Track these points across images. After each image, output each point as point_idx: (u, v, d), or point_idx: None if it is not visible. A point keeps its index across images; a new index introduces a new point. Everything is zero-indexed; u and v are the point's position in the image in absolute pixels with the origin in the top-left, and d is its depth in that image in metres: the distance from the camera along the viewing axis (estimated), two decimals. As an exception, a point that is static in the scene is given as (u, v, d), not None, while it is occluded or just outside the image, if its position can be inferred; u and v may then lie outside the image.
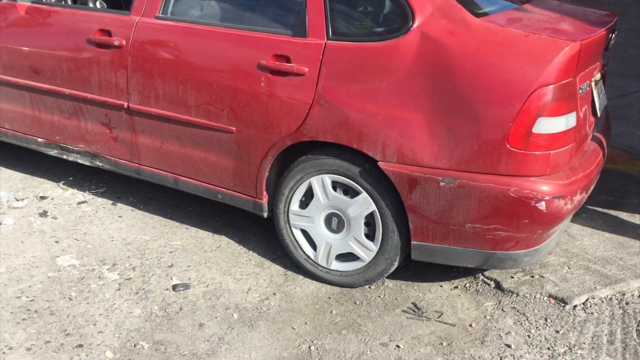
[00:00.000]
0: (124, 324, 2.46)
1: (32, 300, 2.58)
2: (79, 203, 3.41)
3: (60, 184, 3.59)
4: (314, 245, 2.77)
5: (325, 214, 2.70)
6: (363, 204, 2.58)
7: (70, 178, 3.66)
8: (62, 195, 3.48)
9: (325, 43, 2.53)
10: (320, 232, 2.73)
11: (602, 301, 2.61)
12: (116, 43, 2.92)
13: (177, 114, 2.86)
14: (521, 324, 2.50)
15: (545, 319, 2.52)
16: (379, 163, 2.47)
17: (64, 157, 3.36)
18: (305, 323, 2.52)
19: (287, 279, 2.81)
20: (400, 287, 2.76)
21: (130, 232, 3.13)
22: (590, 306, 2.58)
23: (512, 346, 2.38)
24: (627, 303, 2.60)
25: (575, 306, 2.58)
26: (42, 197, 3.44)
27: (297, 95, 2.56)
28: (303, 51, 2.56)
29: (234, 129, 2.73)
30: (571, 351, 2.34)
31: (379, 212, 2.56)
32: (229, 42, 2.73)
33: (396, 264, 2.64)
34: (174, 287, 2.71)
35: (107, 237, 3.08)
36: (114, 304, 2.58)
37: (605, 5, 5.55)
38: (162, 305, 2.59)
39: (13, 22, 3.28)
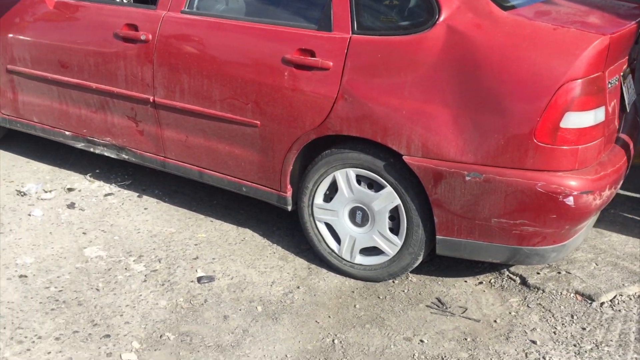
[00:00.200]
0: (150, 315, 2.49)
1: (61, 290, 2.63)
2: (106, 195, 3.46)
3: (87, 176, 3.64)
4: (337, 239, 2.78)
5: (349, 208, 2.70)
6: (387, 198, 2.58)
7: (97, 170, 3.71)
8: (89, 188, 3.53)
9: (350, 37, 2.52)
10: (345, 225, 2.73)
11: (630, 298, 2.57)
12: (142, 37, 2.95)
13: (202, 107, 2.88)
14: (547, 320, 2.48)
15: (572, 316, 2.49)
16: (403, 157, 2.46)
17: (91, 149, 3.41)
18: (329, 317, 2.52)
19: (310, 272, 2.82)
20: (424, 281, 2.75)
21: (156, 224, 3.17)
22: (618, 303, 2.55)
23: (538, 342, 2.36)
24: (655, 300, 2.56)
25: (602, 303, 2.55)
26: (70, 189, 3.50)
27: (321, 90, 2.56)
28: (328, 45, 2.56)
29: (259, 122, 2.75)
30: (598, 348, 2.31)
31: (404, 206, 2.55)
32: (253, 37, 2.74)
33: (420, 259, 2.63)
34: (199, 279, 2.74)
35: (133, 229, 3.12)
36: (140, 295, 2.62)
37: (634, -3, 5.43)
38: (187, 297, 2.62)
39: (42, 17, 3.33)
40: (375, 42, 2.48)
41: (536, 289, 2.65)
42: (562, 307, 2.54)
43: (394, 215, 2.61)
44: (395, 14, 2.54)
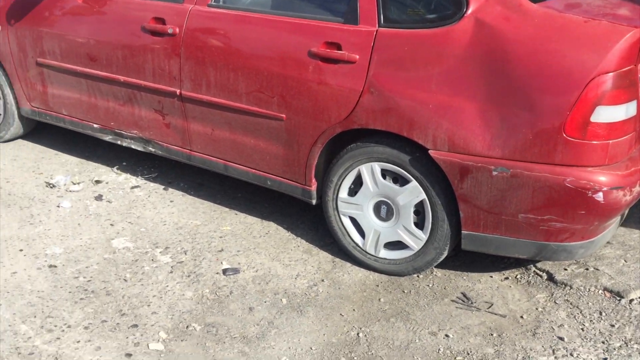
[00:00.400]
0: (176, 306, 2.52)
1: (89, 280, 2.67)
2: (132, 187, 3.50)
3: (114, 169, 3.69)
4: (362, 233, 2.78)
5: (374, 202, 2.70)
6: (413, 193, 2.57)
7: (124, 163, 3.76)
8: (116, 180, 3.58)
9: (377, 30, 2.51)
10: (369, 219, 2.73)
11: (660, 296, 2.53)
12: (170, 31, 2.97)
13: (228, 101, 2.89)
14: (575, 317, 2.45)
15: (600, 313, 2.46)
16: (429, 151, 2.45)
17: (118, 142, 3.46)
18: (354, 310, 2.53)
19: (335, 265, 2.82)
20: (449, 276, 2.74)
21: (182, 217, 3.20)
22: (647, 301, 2.51)
23: (565, 339, 2.33)
24: (686, 299, 2.52)
25: (631, 300, 2.51)
26: (97, 181, 3.55)
27: (347, 83, 2.56)
28: (354, 38, 2.55)
29: (284, 116, 2.75)
30: (627, 345, 2.28)
31: (429, 200, 2.54)
32: (279, 30, 2.74)
33: (445, 254, 2.62)
34: (224, 271, 2.76)
35: (160, 221, 3.16)
36: (167, 286, 2.65)
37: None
38: (213, 289, 2.64)
39: (71, 11, 3.38)
40: (402, 35, 2.47)
41: (563, 285, 2.62)
42: (590, 303, 2.51)
43: (419, 209, 2.60)
44: (422, 7, 2.52)
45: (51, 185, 3.47)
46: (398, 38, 2.47)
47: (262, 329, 2.41)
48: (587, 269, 2.69)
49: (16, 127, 3.91)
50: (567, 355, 2.25)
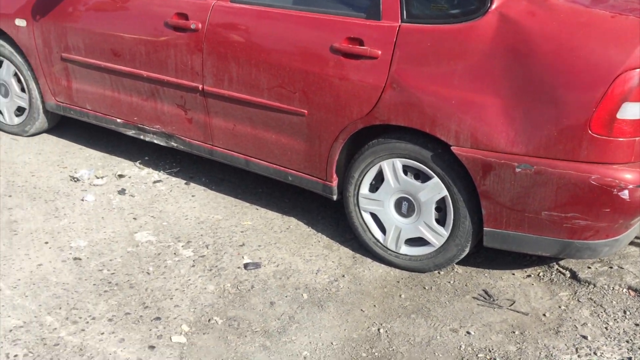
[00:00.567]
0: (198, 299, 2.55)
1: (113, 273, 2.71)
2: (155, 182, 3.53)
3: (137, 163, 3.73)
4: (383, 229, 2.78)
5: (395, 198, 2.69)
6: (434, 189, 2.56)
7: (146, 158, 3.79)
8: (138, 174, 3.62)
9: (399, 25, 2.50)
10: (390, 216, 2.72)
11: (686, 295, 2.50)
12: (192, 26, 2.99)
13: (250, 96, 2.90)
14: (598, 315, 2.43)
15: (624, 312, 2.43)
16: (452, 148, 2.43)
17: (141, 137, 3.49)
18: (374, 306, 2.53)
19: (355, 261, 2.82)
20: (471, 273, 2.72)
21: (203, 211, 3.23)
22: (673, 300, 2.48)
23: (589, 338, 2.31)
24: None
25: (656, 300, 2.48)
26: (120, 176, 3.59)
27: (369, 79, 2.55)
28: (376, 34, 2.54)
29: (306, 111, 2.76)
30: (651, 346, 2.26)
31: (451, 197, 2.53)
32: (302, 25, 2.75)
33: (467, 250, 2.61)
34: (246, 265, 2.78)
35: (182, 216, 3.19)
36: (189, 279, 2.68)
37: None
38: (235, 283, 2.66)
39: (94, 6, 3.41)
40: (425, 30, 2.45)
41: (587, 284, 2.60)
42: (614, 302, 2.49)
43: (440, 206, 2.59)
44: (445, 2, 2.50)
45: (75, 179, 3.52)
46: (421, 33, 2.46)
47: (283, 324, 2.42)
48: (611, 267, 2.66)
49: (41, 121, 3.97)
50: (590, 354, 2.23)
